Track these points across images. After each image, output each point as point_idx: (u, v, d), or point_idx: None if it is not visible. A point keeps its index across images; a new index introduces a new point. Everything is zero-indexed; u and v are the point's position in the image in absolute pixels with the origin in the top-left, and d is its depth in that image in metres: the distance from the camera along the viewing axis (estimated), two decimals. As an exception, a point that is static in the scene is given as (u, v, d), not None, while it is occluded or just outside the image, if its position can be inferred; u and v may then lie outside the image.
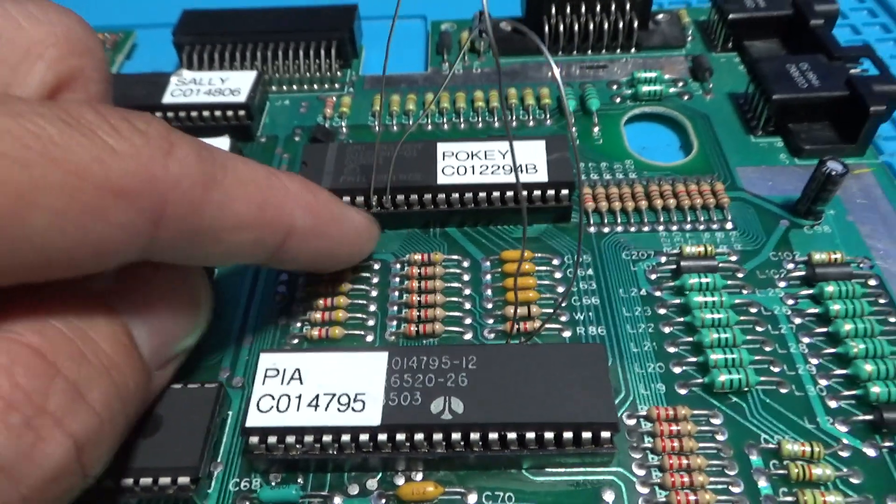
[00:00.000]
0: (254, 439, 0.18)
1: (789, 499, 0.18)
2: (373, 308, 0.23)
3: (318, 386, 0.19)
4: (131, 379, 0.15)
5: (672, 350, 0.21)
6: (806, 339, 0.21)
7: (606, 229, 0.25)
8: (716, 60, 0.32)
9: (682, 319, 0.22)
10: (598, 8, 0.33)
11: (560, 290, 0.23)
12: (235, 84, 0.30)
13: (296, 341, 0.22)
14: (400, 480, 0.19)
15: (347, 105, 0.31)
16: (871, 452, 0.19)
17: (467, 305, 0.23)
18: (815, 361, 0.21)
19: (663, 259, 0.24)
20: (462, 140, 0.26)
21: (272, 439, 0.18)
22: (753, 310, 0.22)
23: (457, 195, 0.25)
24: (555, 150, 0.25)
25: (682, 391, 0.20)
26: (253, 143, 0.30)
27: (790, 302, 0.22)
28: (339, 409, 0.18)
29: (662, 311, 0.22)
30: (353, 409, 0.18)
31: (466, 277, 0.24)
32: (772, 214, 0.25)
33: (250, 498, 0.19)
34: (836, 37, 0.30)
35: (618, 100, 0.31)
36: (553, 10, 0.33)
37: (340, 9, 0.34)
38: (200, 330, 0.19)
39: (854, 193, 0.26)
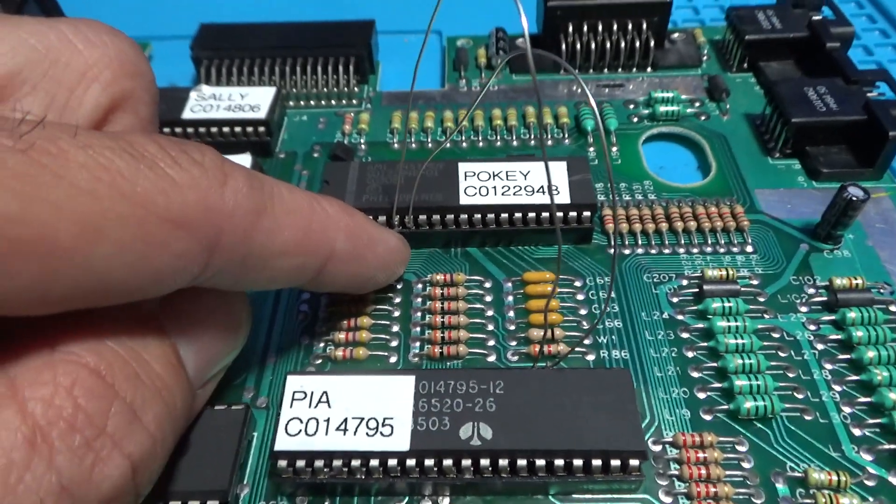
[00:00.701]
0: (282, 463, 0.18)
1: (817, 528, 0.18)
2: (396, 328, 0.23)
3: (346, 409, 0.19)
4: (180, 399, 0.16)
5: (696, 375, 0.21)
6: (829, 366, 0.22)
7: (627, 251, 0.25)
8: (731, 80, 0.32)
9: (705, 344, 0.22)
10: (615, 27, 0.33)
11: (583, 312, 0.23)
12: (255, 100, 0.30)
13: (319, 361, 0.22)
14: (427, 505, 0.19)
15: (366, 122, 0.31)
16: (896, 481, 0.19)
17: (490, 327, 0.23)
18: (838, 388, 0.21)
19: (685, 282, 0.24)
20: (482, 160, 0.26)
21: (300, 463, 0.18)
22: (776, 335, 0.22)
23: (479, 215, 0.25)
24: (576, 172, 0.25)
25: (707, 417, 0.20)
26: (272, 160, 0.30)
27: (812, 327, 0.23)
28: (367, 434, 0.18)
29: (685, 335, 0.22)
30: (381, 434, 0.18)
31: (489, 298, 0.24)
32: (791, 238, 0.25)
33: (277, 522, 0.19)
34: (851, 58, 0.30)
35: (635, 119, 0.31)
36: (570, 29, 0.33)
37: (358, 24, 0.34)
38: (238, 349, 0.19)
39: (872, 218, 0.26)
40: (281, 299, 0.24)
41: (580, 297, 0.24)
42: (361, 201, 0.25)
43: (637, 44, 0.33)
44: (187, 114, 0.29)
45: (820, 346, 0.22)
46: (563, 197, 0.25)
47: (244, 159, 0.27)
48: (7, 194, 0.11)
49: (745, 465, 0.19)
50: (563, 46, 0.33)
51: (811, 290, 0.24)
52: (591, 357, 0.22)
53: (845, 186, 0.24)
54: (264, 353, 0.23)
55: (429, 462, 0.18)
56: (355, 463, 0.18)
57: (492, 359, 0.22)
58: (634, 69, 0.33)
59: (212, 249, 0.14)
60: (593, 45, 0.33)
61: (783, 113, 0.28)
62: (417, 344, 0.23)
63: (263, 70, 0.32)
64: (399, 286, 0.24)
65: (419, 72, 0.21)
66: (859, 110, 0.27)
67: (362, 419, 0.19)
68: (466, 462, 0.18)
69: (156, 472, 0.15)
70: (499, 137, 0.30)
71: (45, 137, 0.12)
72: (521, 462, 0.18)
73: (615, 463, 0.18)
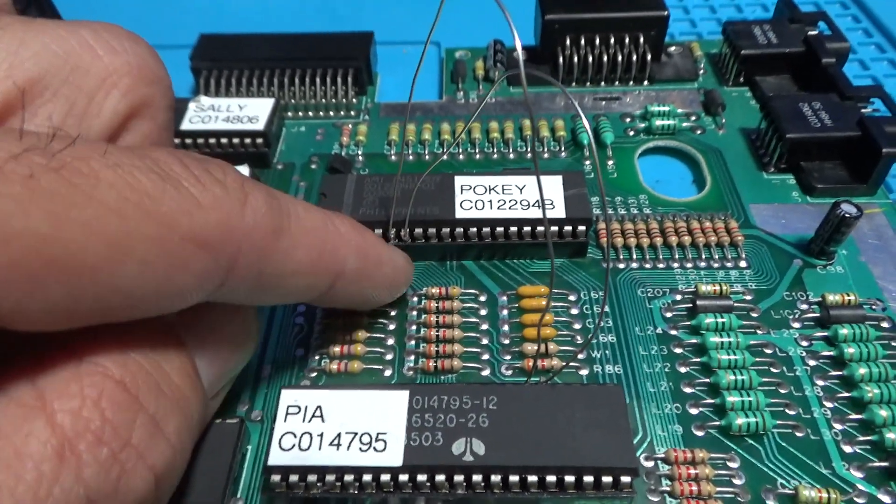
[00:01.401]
0: (276, 477, 0.18)
1: (807, 546, 0.18)
2: (391, 342, 0.23)
3: (340, 424, 0.19)
4: (196, 409, 0.16)
5: (689, 390, 0.22)
6: (821, 382, 0.22)
7: (622, 265, 0.25)
8: (727, 94, 0.33)
9: (698, 359, 0.22)
10: (612, 40, 0.33)
11: (577, 326, 0.23)
12: (253, 111, 0.30)
13: (314, 374, 0.22)
14: (419, 520, 0.19)
15: (364, 133, 0.31)
16: (886, 500, 0.19)
17: (484, 341, 0.23)
18: (829, 405, 0.21)
19: (678, 297, 0.24)
20: (479, 174, 0.26)
21: (294, 478, 0.18)
22: (768, 351, 0.22)
23: (474, 229, 0.25)
24: (571, 186, 0.25)
25: (699, 433, 0.21)
26: (270, 171, 0.30)
27: (804, 343, 0.23)
28: (360, 449, 0.19)
29: (678, 351, 0.23)
30: (374, 449, 0.19)
31: (483, 312, 0.24)
32: (785, 253, 0.26)
33: (270, 536, 0.19)
34: (846, 73, 0.30)
35: (631, 133, 0.31)
36: (567, 42, 0.33)
37: (357, 36, 0.34)
38: (247, 360, 0.20)
39: (866, 234, 0.26)
40: (276, 312, 0.24)
41: (574, 311, 0.24)
42: (358, 214, 0.25)
43: (634, 57, 0.33)
44: (186, 125, 0.29)
45: (812, 363, 0.22)
46: (559, 211, 0.25)
47: (242, 170, 0.27)
48: (40, 213, 0.11)
49: (737, 481, 0.19)
50: (561, 59, 0.33)
51: (804, 306, 0.24)
52: (584, 372, 0.22)
53: (839, 203, 0.24)
54: (259, 366, 0.23)
55: (421, 478, 0.18)
56: (348, 478, 0.18)
57: (486, 373, 0.22)
58: (631, 82, 0.34)
59: (230, 268, 0.15)
60: (591, 59, 0.33)
61: (778, 128, 0.28)
62: (412, 357, 0.23)
63: (262, 81, 0.33)
64: (398, 301, 0.24)
65: (417, 83, 0.21)
66: (853, 126, 0.27)
67: (356, 434, 0.19)
68: (459, 478, 0.18)
69: (175, 482, 0.15)
70: (495, 150, 0.30)
71: (76, 156, 0.12)
72: (513, 478, 0.18)
73: (606, 479, 0.18)
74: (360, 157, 0.30)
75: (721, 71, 0.34)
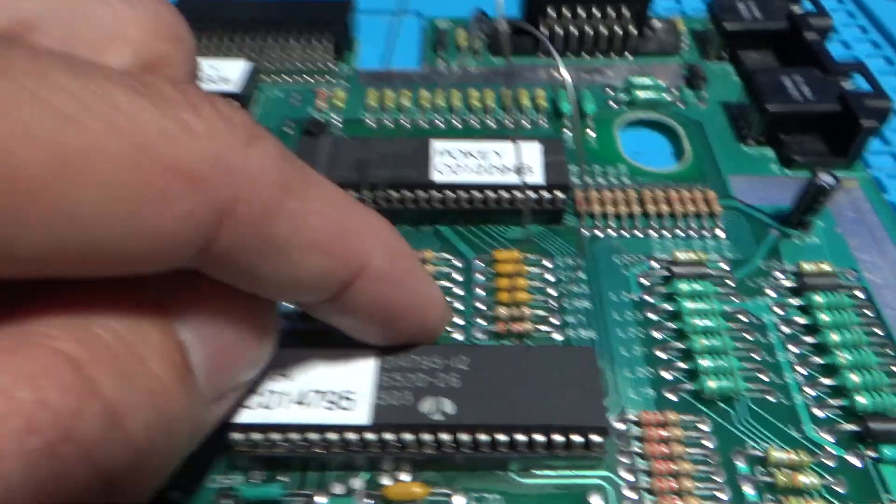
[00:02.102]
0: (237, 435, 0.18)
1: (776, 507, 0.18)
2: (362, 304, 0.23)
3: (306, 383, 0.19)
4: (180, 407, 0.13)
5: (662, 355, 0.21)
6: (794, 349, 0.22)
7: (599, 233, 0.25)
8: (710, 69, 0.32)
9: (672, 325, 0.22)
10: (597, 12, 0.33)
11: (551, 291, 0.23)
12: (227, 73, 0.29)
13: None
14: (386, 480, 0.19)
15: (341, 99, 0.31)
16: (855, 462, 0.19)
17: (458, 305, 0.23)
18: (802, 371, 0.21)
19: (655, 265, 0.24)
20: (457, 138, 0.26)
21: (256, 436, 0.18)
22: (743, 318, 0.22)
23: (450, 193, 0.24)
24: (551, 153, 0.25)
25: (672, 396, 0.20)
26: (244, 134, 0.29)
27: (779, 311, 0.23)
28: (326, 408, 0.18)
29: (653, 317, 0.22)
30: (341, 408, 0.18)
31: (458, 276, 0.24)
32: (762, 224, 0.25)
33: (232, 495, 0.18)
34: (829, 50, 0.30)
35: (613, 105, 0.31)
36: (551, 13, 0.32)
37: (335, 1, 0.33)
38: (264, 362, 0.16)
39: (843, 206, 0.26)
40: (247, 273, 0.24)
41: (549, 276, 0.24)
42: (333, 176, 0.24)
43: (618, 31, 0.33)
44: (158, 85, 0.28)
45: (786, 330, 0.22)
46: (537, 177, 0.24)
47: (214, 131, 0.26)
48: None
49: (707, 443, 0.19)
50: (545, 30, 0.33)
51: (779, 275, 0.24)
52: (558, 336, 0.22)
53: (816, 173, 0.24)
54: (227, 326, 0.22)
55: (389, 436, 0.18)
56: (313, 437, 0.18)
57: (459, 336, 0.22)
58: (614, 55, 0.33)
59: (224, 216, 0.12)
60: (574, 30, 0.33)
61: (759, 100, 0.28)
62: (384, 320, 0.22)
63: (239, 43, 0.32)
64: (368, 262, 0.24)
65: (397, 52, 0.21)
66: (834, 100, 0.27)
67: (322, 392, 0.18)
68: (427, 437, 0.18)
69: (146, 488, 0.13)
70: (475, 118, 0.30)
71: (25, 55, 0.10)
72: (483, 437, 0.18)
73: (576, 439, 0.18)
74: (338, 123, 0.30)
75: (704, 46, 0.34)
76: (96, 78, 0.10)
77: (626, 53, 0.33)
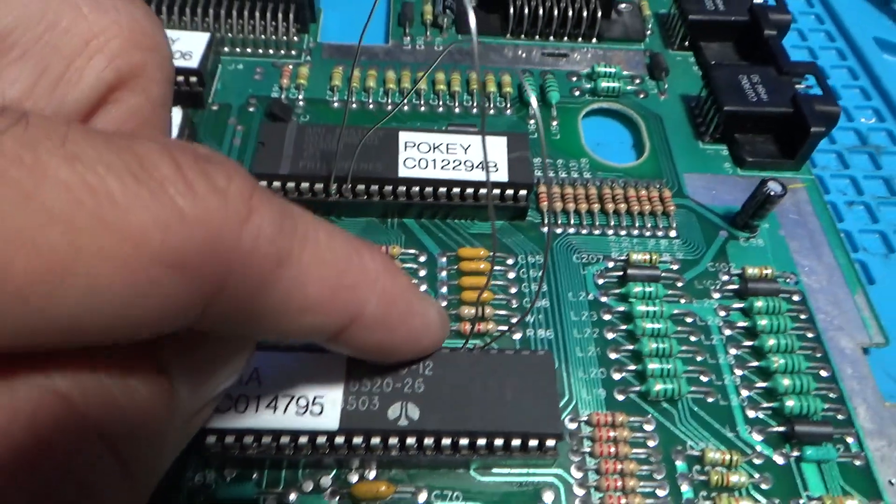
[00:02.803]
0: (211, 439, 0.19)
1: (707, 503, 0.20)
2: (329, 300, 0.23)
3: (277, 387, 0.19)
4: (167, 427, 0.13)
5: (614, 356, 0.23)
6: (734, 351, 0.23)
7: (559, 230, 0.26)
8: (672, 58, 0.33)
9: (624, 327, 0.23)
10: (564, -7, 0.32)
11: (513, 290, 0.24)
12: (186, 46, 0.28)
13: (250, 332, 0.22)
14: (354, 478, 0.20)
15: (305, 76, 0.30)
16: (780, 461, 0.21)
17: (423, 302, 0.23)
18: (739, 373, 0.23)
19: (611, 264, 0.25)
20: (423, 130, 0.26)
21: (229, 439, 0.19)
22: (689, 319, 0.24)
23: (417, 188, 0.25)
24: (516, 149, 0.26)
25: (620, 397, 0.22)
26: (204, 112, 0.28)
27: (722, 313, 0.24)
28: (297, 413, 0.19)
29: (607, 317, 0.24)
30: (311, 413, 0.19)
31: (422, 273, 0.24)
32: (712, 224, 0.27)
33: (205, 493, 0.19)
34: (785, 44, 0.31)
35: (577, 93, 0.31)
36: (519, -8, 0.32)
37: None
38: (238, 375, 0.16)
39: (787, 209, 0.28)
40: (212, 265, 0.24)
41: (511, 275, 0.24)
42: (298, 167, 0.25)
43: (584, 13, 0.33)
44: (112, 57, 0.27)
45: (727, 332, 0.24)
46: (502, 174, 0.25)
47: (174, 113, 0.26)
48: None
49: (651, 443, 0.21)
50: (511, 10, 0.32)
51: (725, 277, 0.25)
52: (517, 336, 0.23)
53: (765, 181, 0.25)
54: (194, 322, 0.22)
55: (357, 440, 0.19)
56: (284, 440, 0.19)
57: (423, 334, 0.23)
58: (580, 39, 0.33)
59: (213, 296, 0.12)
60: (541, 11, 0.32)
61: (717, 99, 0.29)
62: (350, 317, 0.23)
63: (196, 12, 0.30)
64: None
65: (362, 26, 0.20)
66: (787, 102, 0.28)
67: (292, 397, 0.19)
68: (393, 440, 0.19)
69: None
70: (441, 103, 0.30)
71: (21, 140, 0.09)
72: (446, 441, 0.19)
73: (533, 443, 0.19)
74: (301, 102, 0.29)
75: (668, 33, 0.34)
76: (93, 164, 0.10)
77: (593, 39, 0.33)
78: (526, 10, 0.32)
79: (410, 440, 0.19)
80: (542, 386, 0.20)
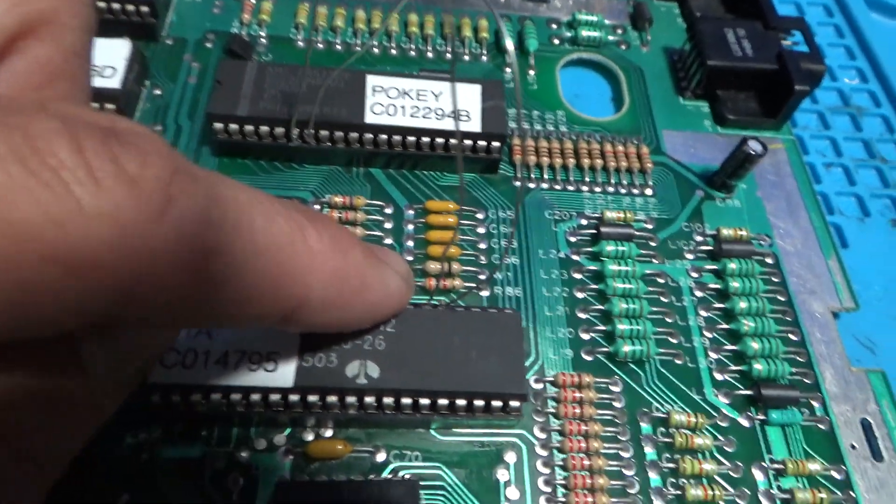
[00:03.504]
0: (156, 396, 0.18)
1: (671, 465, 0.20)
2: (288, 252, 0.22)
3: (228, 342, 0.18)
4: (83, 410, 0.12)
5: (583, 316, 0.22)
6: (704, 313, 0.23)
7: (532, 185, 0.25)
8: (656, 9, 0.32)
9: (595, 286, 0.23)
10: (547, -67, 0.31)
11: (482, 246, 0.23)
12: (138, -27, 0.26)
13: (203, 283, 0.21)
14: (309, 436, 0.19)
15: (268, 12, 0.28)
16: (745, 423, 0.21)
17: (387, 256, 0.22)
18: (709, 335, 0.22)
19: (584, 221, 0.24)
20: (393, 74, 0.24)
21: (176, 397, 0.18)
22: (661, 280, 0.23)
23: (384, 136, 0.23)
24: (490, 97, 0.24)
25: (588, 358, 0.21)
26: (157, 46, 0.26)
27: (695, 275, 0.24)
28: (249, 368, 0.18)
29: (578, 276, 0.23)
30: (264, 369, 0.18)
31: (388, 225, 0.23)
32: (689, 183, 0.26)
33: (151, 451, 0.18)
34: (773, 1, 0.30)
35: (556, 41, 0.30)
36: (500, -70, 0.30)
37: None
38: (165, 348, 0.16)
39: (766, 169, 0.27)
40: (163, 211, 0.22)
41: (481, 229, 0.23)
42: (258, 108, 0.23)
43: (567, -44, 0.31)
44: (54, -18, 0.25)
45: (699, 294, 0.23)
46: (474, 124, 0.24)
47: (122, 45, 0.24)
48: None
49: (617, 404, 0.21)
50: (491, -51, 0.30)
51: (699, 238, 0.24)
52: (485, 293, 0.22)
53: (746, 140, 0.24)
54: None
55: (313, 398, 0.18)
56: (235, 397, 0.18)
57: (386, 289, 0.22)
58: (562, -17, 0.32)
59: (125, 300, 0.10)
60: (522, -48, 0.31)
61: (701, 53, 0.27)
62: (310, 269, 0.22)
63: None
64: (294, 205, 0.23)
65: None
66: (772, 59, 0.27)
67: (244, 353, 0.18)
68: (351, 399, 0.18)
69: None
70: (413, 46, 0.28)
71: None
72: (406, 400, 0.18)
73: (496, 404, 0.19)
74: (264, 40, 0.27)
75: (653, -19, 0.33)
76: None
77: (575, -17, 0.32)
78: (506, -50, 0.31)
79: (369, 399, 0.18)
80: (509, 346, 0.19)
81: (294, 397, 0.18)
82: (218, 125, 0.23)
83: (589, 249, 0.24)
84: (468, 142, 0.24)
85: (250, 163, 0.24)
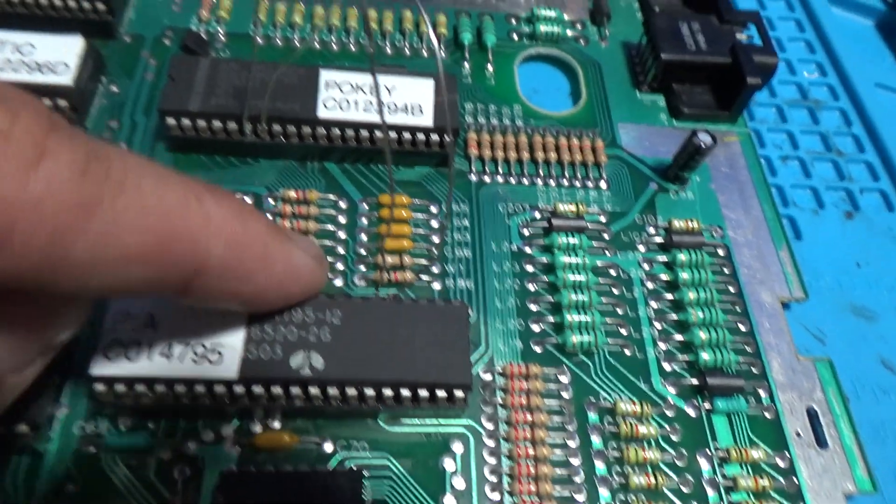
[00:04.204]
0: (100, 387, 0.18)
1: (616, 454, 0.20)
2: (240, 246, 0.22)
3: (172, 334, 0.18)
4: None
5: (534, 308, 0.22)
6: (654, 304, 0.23)
7: (487, 178, 0.25)
8: (615, 4, 0.32)
9: (546, 278, 0.23)
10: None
11: (435, 239, 0.23)
12: (93, -30, 0.26)
13: (154, 277, 0.21)
14: (256, 428, 0.19)
15: (227, 9, 0.28)
16: (691, 412, 0.21)
17: (340, 249, 0.23)
18: (658, 326, 0.23)
19: (537, 214, 0.24)
20: (347, 69, 0.25)
21: (120, 387, 0.18)
22: (613, 272, 0.23)
23: (337, 131, 0.24)
24: (444, 91, 0.24)
25: (538, 349, 0.22)
26: (114, 43, 0.27)
27: (646, 266, 0.24)
28: (193, 360, 0.18)
29: (530, 268, 0.23)
30: (208, 361, 0.18)
31: (342, 219, 0.23)
32: (643, 176, 0.26)
33: (96, 442, 0.18)
34: (732, -5, 0.30)
35: (515, 37, 0.30)
36: (460, -74, 0.30)
37: None
38: (75, 330, 0.16)
39: (720, 161, 0.27)
40: (115, 206, 0.23)
41: (434, 223, 0.24)
42: (210, 104, 0.23)
43: (528, -48, 0.31)
44: (7, -21, 0.25)
45: (650, 285, 0.23)
46: (427, 119, 0.24)
47: (74, 42, 0.24)
48: None
49: (564, 394, 0.21)
50: (451, -55, 0.31)
51: (651, 230, 0.25)
52: (437, 286, 0.22)
53: (696, 132, 0.24)
54: (92, 266, 0.21)
55: (257, 390, 0.18)
56: (179, 389, 0.18)
57: (338, 283, 0.22)
58: (523, -21, 0.32)
59: (2, 252, 0.11)
60: (483, -52, 0.31)
61: (655, 47, 0.28)
62: (262, 263, 0.22)
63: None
64: (248, 200, 0.23)
65: None
66: (725, 53, 0.28)
67: (188, 344, 0.18)
68: (296, 390, 0.18)
69: None
70: (371, 42, 0.28)
71: None
72: (351, 392, 0.19)
73: (441, 394, 0.19)
74: (222, 37, 0.28)
75: (614, -23, 0.33)
76: None
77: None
78: (466, -53, 0.31)
79: (314, 390, 0.18)
80: (454, 337, 0.19)
81: (239, 389, 0.18)
82: (171, 120, 0.23)
83: (541, 242, 0.24)
84: (421, 136, 0.24)
85: (205, 158, 0.24)
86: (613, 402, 0.21)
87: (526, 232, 0.24)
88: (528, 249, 0.24)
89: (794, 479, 0.20)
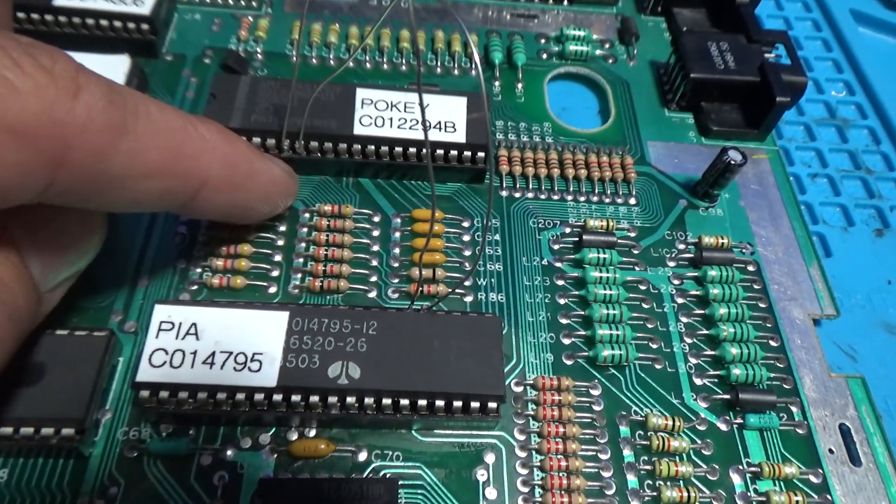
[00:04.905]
0: (144, 393, 0.18)
1: (648, 467, 0.20)
2: (278, 258, 0.23)
3: (215, 343, 0.19)
4: (22, 299, 0.15)
5: (564, 321, 0.23)
6: (684, 319, 0.23)
7: (518, 194, 0.26)
8: (643, 24, 0.32)
9: (577, 292, 0.23)
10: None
11: (467, 253, 0.24)
12: (139, -8, 0.27)
13: (195, 288, 0.22)
14: (293, 436, 0.20)
15: (264, 29, 0.29)
16: (723, 427, 0.21)
17: (374, 262, 0.23)
18: (689, 341, 0.23)
19: (567, 230, 0.25)
20: (382, 87, 0.25)
21: (164, 394, 0.18)
22: (643, 287, 0.24)
23: (372, 147, 0.24)
24: (476, 109, 0.25)
25: (569, 362, 0.22)
26: (157, 61, 0.28)
27: (676, 282, 0.24)
28: (235, 369, 0.18)
29: (560, 283, 0.23)
30: (249, 369, 0.19)
31: (376, 233, 0.24)
32: (673, 193, 0.27)
33: (139, 447, 0.19)
34: (761, 14, 0.31)
35: (544, 56, 0.30)
36: (490, -51, 0.31)
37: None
38: (93, 254, 0.18)
39: (749, 179, 0.27)
40: (157, 217, 0.23)
41: (466, 237, 0.24)
42: (249, 121, 0.24)
43: (556, -27, 0.32)
44: (59, 0, 0.26)
45: (680, 300, 0.24)
46: (459, 135, 0.24)
47: (121, 60, 0.25)
48: None
49: (596, 407, 0.21)
50: (481, -33, 0.31)
51: (681, 246, 0.25)
52: (469, 299, 0.23)
53: (726, 149, 0.25)
54: (135, 275, 0.22)
55: (295, 398, 0.19)
56: (221, 396, 0.18)
57: (372, 295, 0.22)
58: (550, 1, 0.33)
59: (57, 165, 0.13)
60: (512, -30, 0.32)
61: (684, 66, 0.28)
62: (298, 275, 0.23)
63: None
64: (285, 214, 0.24)
65: None
66: (754, 71, 0.28)
67: (230, 353, 0.19)
68: (333, 399, 0.19)
69: None
70: (404, 61, 0.29)
71: None
72: (386, 401, 0.19)
73: (475, 405, 0.19)
74: (260, 56, 0.28)
75: (641, -2, 0.33)
76: None
77: (564, 1, 0.32)
78: (496, -31, 0.32)
79: (350, 399, 0.19)
80: (488, 349, 0.20)
81: (277, 397, 0.19)
82: (212, 136, 0.24)
83: (572, 257, 0.24)
84: (454, 152, 0.24)
85: (243, 173, 0.25)
86: (645, 415, 0.21)
87: (556, 247, 0.24)
88: (558, 264, 0.24)
89: (828, 496, 0.20)
